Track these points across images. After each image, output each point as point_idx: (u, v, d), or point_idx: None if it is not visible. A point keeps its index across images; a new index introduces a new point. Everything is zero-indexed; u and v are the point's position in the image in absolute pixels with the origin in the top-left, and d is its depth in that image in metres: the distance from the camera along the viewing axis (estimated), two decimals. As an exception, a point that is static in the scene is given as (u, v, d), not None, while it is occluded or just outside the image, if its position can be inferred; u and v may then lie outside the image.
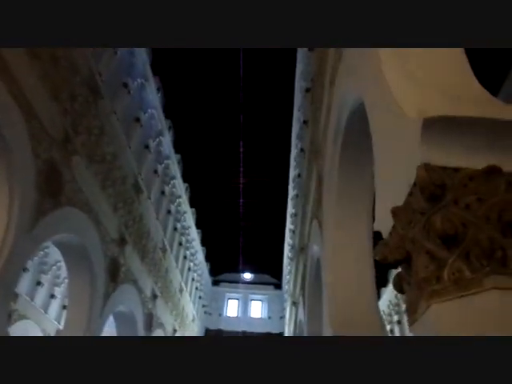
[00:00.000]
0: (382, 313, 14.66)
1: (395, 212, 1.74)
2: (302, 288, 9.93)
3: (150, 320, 11.34)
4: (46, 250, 13.03)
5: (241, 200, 17.39)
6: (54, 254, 12.22)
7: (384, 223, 1.93)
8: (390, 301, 15.30)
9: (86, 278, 7.80)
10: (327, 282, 5.06)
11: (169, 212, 13.17)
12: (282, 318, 21.23)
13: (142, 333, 10.60)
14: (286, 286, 18.81)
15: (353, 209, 4.72)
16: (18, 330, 11.59)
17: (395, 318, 14.91)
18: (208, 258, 20.27)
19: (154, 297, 11.66)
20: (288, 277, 17.84)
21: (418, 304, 1.65)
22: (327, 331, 4.82)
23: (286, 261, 19.25)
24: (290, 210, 15.70)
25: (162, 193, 12.22)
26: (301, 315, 10.56)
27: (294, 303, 13.24)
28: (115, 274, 8.82)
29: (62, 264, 9.79)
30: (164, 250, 12.58)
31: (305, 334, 8.78)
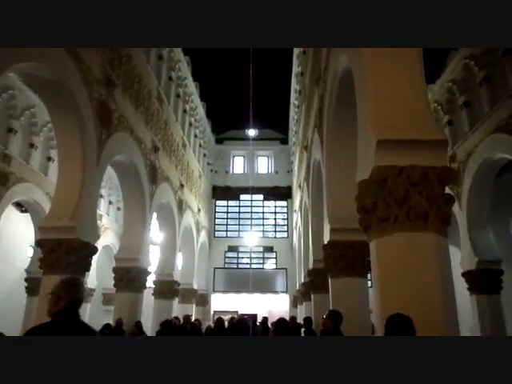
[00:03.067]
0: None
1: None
2: (307, 178, 11.40)
3: (154, 172, 10.79)
4: (32, 110, 11.95)
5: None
6: (42, 114, 11.20)
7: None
8: None
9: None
10: (326, 186, 7.25)
11: (160, 58, 11.64)
12: (290, 171, 21.06)
13: (146, 185, 10.13)
14: (294, 138, 18.10)
15: (345, 132, 6.64)
16: (17, 194, 11.21)
17: None
18: (209, 115, 19.17)
19: (155, 148, 10.91)
20: (295, 128, 17.00)
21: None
22: (326, 225, 6.95)
23: (292, 113, 18.18)
24: (293, 84, 15.99)
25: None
26: (305, 198, 12.12)
27: (299, 186, 14.78)
28: (107, 118, 7.85)
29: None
30: (160, 101, 11.43)
31: (309, 215, 10.40)
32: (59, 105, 6.67)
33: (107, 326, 8.78)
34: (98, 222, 16.29)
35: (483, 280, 9.30)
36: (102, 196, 16.83)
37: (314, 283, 9.75)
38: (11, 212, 13.23)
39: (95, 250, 7.21)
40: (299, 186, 14.87)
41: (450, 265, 3.50)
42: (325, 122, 7.38)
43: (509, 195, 11.00)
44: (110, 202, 17.64)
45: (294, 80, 15.62)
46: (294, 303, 18.23)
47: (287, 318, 7.01)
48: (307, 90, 10.94)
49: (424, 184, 3.48)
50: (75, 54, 6.67)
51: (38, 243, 6.69)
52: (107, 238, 16.72)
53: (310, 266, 9.98)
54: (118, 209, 17.27)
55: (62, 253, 6.50)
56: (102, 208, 16.92)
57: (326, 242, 6.90)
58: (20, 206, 13.80)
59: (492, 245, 9.55)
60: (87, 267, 7.01)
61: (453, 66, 10.02)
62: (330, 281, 6.80)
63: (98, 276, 15.84)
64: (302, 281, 13.43)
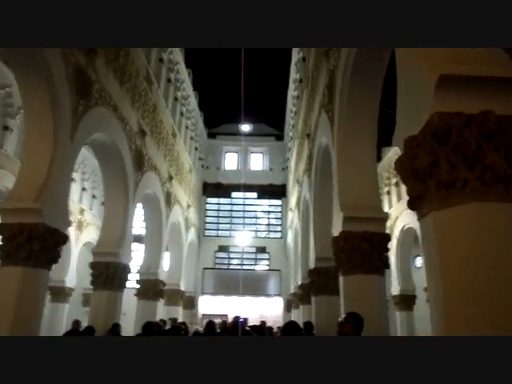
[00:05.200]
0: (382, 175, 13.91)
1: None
2: (308, 170, 10.27)
3: (140, 159, 9.73)
4: (7, 89, 10.84)
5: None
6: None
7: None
8: (397, 153, 13.83)
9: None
10: (337, 168, 6.17)
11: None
12: (285, 169, 20.12)
13: (131, 171, 9.07)
14: (290, 133, 17.18)
15: (361, 109, 5.93)
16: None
17: (393, 180, 14.03)
18: (202, 107, 18.18)
19: (143, 133, 9.86)
20: (292, 121, 16.09)
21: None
22: (338, 214, 5.93)
23: (289, 106, 17.28)
24: (292, 74, 15.18)
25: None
26: (305, 192, 11.05)
27: (298, 181, 13.73)
28: (85, 88, 6.81)
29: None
30: (149, 82, 10.41)
31: (310, 210, 9.44)
32: (25, 63, 5.61)
33: (72, 331, 7.67)
34: (80, 216, 15.15)
35: None
36: (84, 189, 15.72)
37: (316, 284, 8.77)
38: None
39: (65, 238, 6.14)
40: (297, 182, 13.92)
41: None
42: (336, 97, 6.45)
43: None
44: (94, 196, 16.51)
45: (293, 69, 14.72)
46: (288, 307, 17.24)
47: (280, 323, 6.13)
48: (311, 71, 10.01)
49: (501, 138, 2.54)
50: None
51: (-3, 228, 5.60)
52: (89, 234, 15.57)
53: (311, 266, 9.01)
54: (103, 203, 16.13)
55: (24, 239, 5.42)
56: (85, 202, 15.79)
57: (337, 234, 5.93)
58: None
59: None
60: (55, 259, 5.93)
61: None
62: (341, 279, 5.83)
63: (77, 274, 14.68)
64: (299, 283, 12.46)
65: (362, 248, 5.64)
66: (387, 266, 5.69)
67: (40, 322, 5.70)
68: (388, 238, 5.77)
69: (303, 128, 12.00)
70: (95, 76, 7.20)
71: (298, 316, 12.98)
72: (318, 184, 8.88)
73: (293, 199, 16.05)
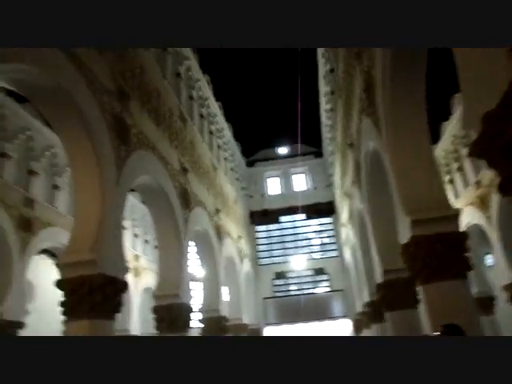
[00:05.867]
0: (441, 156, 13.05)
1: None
2: (357, 181, 9.76)
3: (186, 196, 9.69)
4: (52, 151, 11.33)
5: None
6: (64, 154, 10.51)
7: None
8: (454, 135, 13.10)
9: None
10: (394, 170, 5.67)
11: (178, 75, 10.82)
12: (329, 185, 19.62)
13: (179, 210, 9.02)
14: (330, 147, 16.79)
15: (407, 104, 5.52)
16: (44, 240, 10.35)
17: (455, 165, 13.08)
18: (237, 137, 18.27)
19: (184, 170, 9.87)
20: (330, 135, 15.74)
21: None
22: (403, 219, 5.44)
23: (323, 121, 16.99)
24: (322, 88, 15.02)
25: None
26: (357, 205, 10.53)
27: (346, 195, 13.23)
28: (124, 134, 6.87)
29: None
30: (183, 120, 10.50)
31: (367, 221, 8.87)
32: (65, 119, 5.72)
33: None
34: (135, 263, 15.33)
35: None
36: (136, 235, 15.98)
37: (387, 299, 8.13)
38: (43, 261, 12.44)
39: (124, 285, 6.04)
40: (346, 195, 13.42)
41: None
42: (378, 98, 6.11)
43: None
44: (146, 241, 16.74)
45: (322, 83, 14.52)
46: (358, 328, 16.35)
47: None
48: (342, 79, 9.72)
49: None
50: (76, 59, 5.75)
51: (58, 284, 5.57)
52: (147, 280, 15.68)
53: (378, 280, 8.42)
54: (156, 247, 16.29)
55: (85, 292, 5.34)
56: (138, 248, 16.01)
57: (405, 241, 5.44)
58: (52, 255, 13.00)
59: None
60: (117, 308, 5.81)
61: None
62: (419, 289, 5.29)
63: (141, 321, 14.70)
64: (366, 300, 11.76)
65: (436, 252, 5.11)
66: (470, 267, 5.11)
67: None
68: (465, 236, 5.21)
69: (343, 139, 11.62)
70: (131, 120, 7.27)
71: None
72: (371, 192, 8.41)
73: (344, 214, 15.48)
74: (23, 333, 9.13)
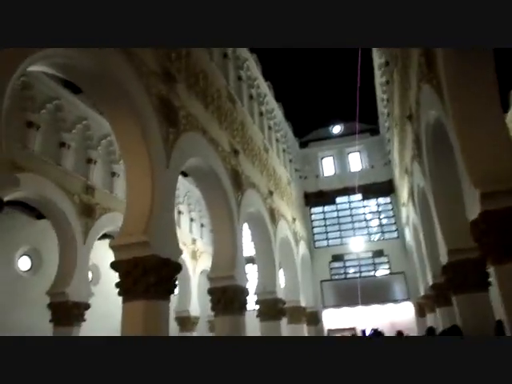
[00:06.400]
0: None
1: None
2: (417, 155, 9.12)
3: (238, 178, 9.58)
4: (108, 139, 11.65)
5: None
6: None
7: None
8: None
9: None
10: (460, 138, 5.05)
11: (225, 56, 10.63)
12: (387, 164, 18.73)
13: (231, 192, 8.94)
14: (386, 123, 15.93)
15: (474, 62, 4.96)
16: (105, 225, 10.75)
17: None
18: (288, 117, 17.85)
19: (235, 152, 9.74)
20: (386, 109, 14.89)
21: None
22: (471, 192, 4.83)
23: (379, 94, 16.10)
24: (376, 60, 14.12)
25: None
26: (417, 181, 9.99)
27: (406, 171, 12.37)
28: (172, 116, 6.83)
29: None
30: (232, 101, 10.34)
31: (429, 199, 8.27)
32: (112, 101, 5.75)
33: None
34: (193, 246, 15.63)
35: None
36: (192, 220, 16.26)
37: (454, 281, 7.55)
38: (106, 245, 13.00)
39: (178, 267, 6.04)
40: (405, 172, 12.67)
41: None
42: (440, 61, 5.52)
43: None
44: (202, 225, 17.01)
45: (375, 55, 13.68)
46: (421, 311, 15.61)
47: (413, 331, 5.13)
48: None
49: None
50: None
51: (113, 266, 5.69)
52: (204, 263, 15.95)
53: (443, 261, 7.83)
54: (211, 231, 16.52)
55: (139, 273, 5.40)
56: (195, 232, 16.31)
57: (474, 216, 4.91)
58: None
59: None
60: (171, 289, 5.84)
61: None
62: (492, 270, 4.77)
63: (200, 303, 15.03)
64: (430, 283, 11.11)
65: (510, 228, 4.56)
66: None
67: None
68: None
69: (401, 112, 10.88)
70: (179, 102, 7.21)
71: (435, 320, 11.54)
72: (434, 167, 7.78)
73: (404, 193, 14.68)
74: (88, 313, 9.60)
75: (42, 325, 9.29)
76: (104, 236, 11.57)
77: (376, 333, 8.16)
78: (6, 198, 8.29)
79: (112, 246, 5.70)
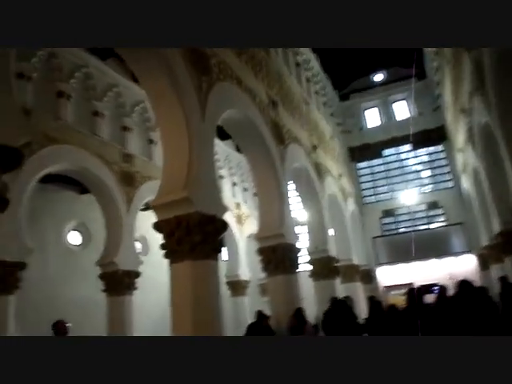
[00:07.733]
0: None
1: None
2: (481, 88, 7.84)
3: (279, 131, 8.94)
4: (142, 105, 11.27)
5: None
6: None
7: None
8: None
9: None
10: None
11: None
12: (437, 109, 17.30)
13: (273, 146, 8.35)
14: (435, 63, 14.52)
15: None
16: (146, 193, 10.51)
17: None
18: (326, 69, 16.73)
19: (274, 104, 9.06)
20: (432, 50, 13.48)
21: None
22: None
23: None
24: None
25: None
26: (479, 119, 8.94)
27: (463, 111, 11.03)
28: (203, 64, 6.24)
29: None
30: (266, 50, 9.57)
31: (497, 135, 7.20)
32: (139, 58, 5.26)
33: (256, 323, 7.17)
34: (237, 210, 15.32)
35: None
36: (235, 184, 15.90)
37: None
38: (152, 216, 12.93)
39: (224, 225, 5.62)
40: (462, 112, 11.48)
41: None
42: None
43: None
44: (245, 189, 16.62)
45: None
46: (484, 264, 14.62)
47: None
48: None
49: None
50: None
51: (155, 227, 5.35)
52: (250, 227, 15.64)
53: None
54: (255, 194, 16.10)
55: (183, 233, 5.01)
56: (238, 196, 15.97)
57: None
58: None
59: None
60: (218, 248, 5.43)
61: None
62: None
63: (250, 267, 14.84)
64: (496, 231, 10.17)
65: None
66: None
67: (221, 314, 5.23)
68: None
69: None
70: (209, 50, 6.59)
71: (501, 272, 10.63)
72: (505, 95, 6.77)
73: (460, 137, 13.45)
74: (140, 283, 9.55)
75: (95, 296, 9.36)
76: (149, 208, 11.41)
77: (441, 288, 7.50)
78: (47, 171, 8.21)
79: (153, 206, 5.33)
